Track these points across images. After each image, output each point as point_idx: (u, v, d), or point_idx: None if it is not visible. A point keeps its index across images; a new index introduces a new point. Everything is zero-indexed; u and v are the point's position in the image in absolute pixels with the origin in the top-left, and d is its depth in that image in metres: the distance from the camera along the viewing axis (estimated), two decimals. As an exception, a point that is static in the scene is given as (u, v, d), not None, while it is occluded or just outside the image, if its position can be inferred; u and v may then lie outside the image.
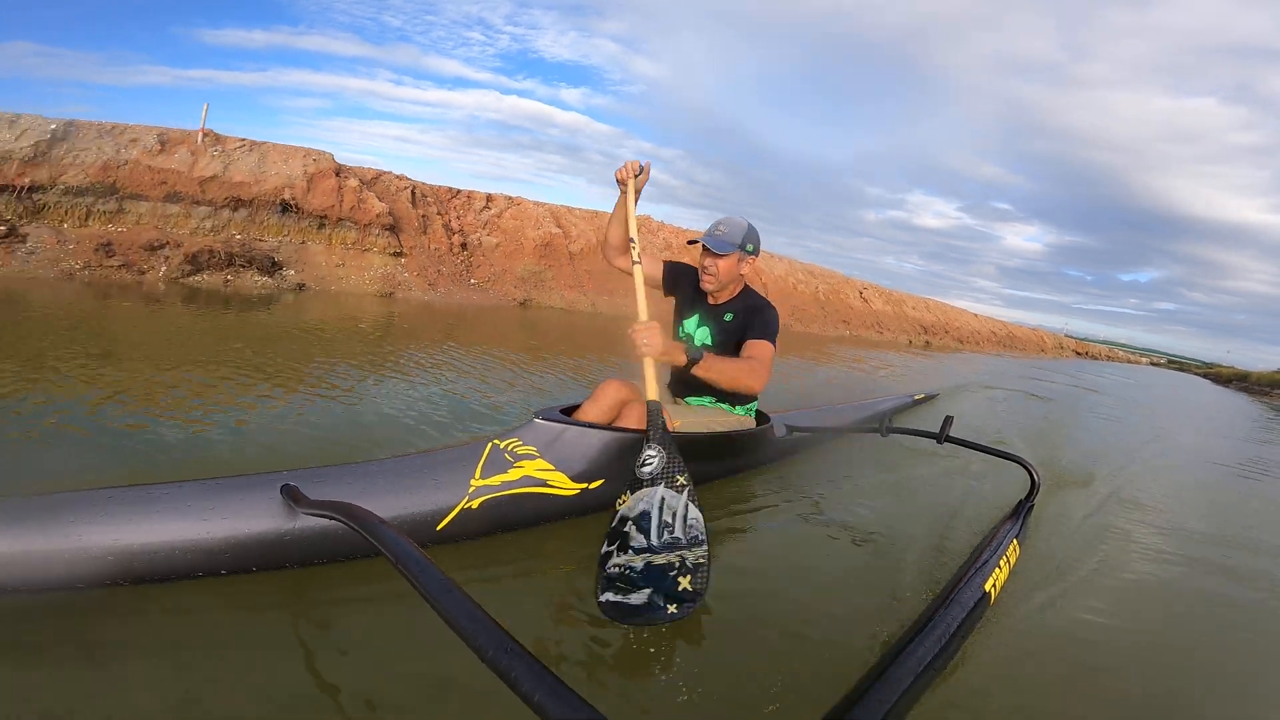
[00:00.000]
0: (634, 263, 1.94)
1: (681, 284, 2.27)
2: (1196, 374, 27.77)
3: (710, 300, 2.20)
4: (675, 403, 2.27)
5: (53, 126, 6.29)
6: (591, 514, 1.85)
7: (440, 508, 1.55)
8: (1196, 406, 11.63)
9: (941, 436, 2.59)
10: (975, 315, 19.37)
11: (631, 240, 1.98)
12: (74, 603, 1.20)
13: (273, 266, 6.58)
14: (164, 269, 6.11)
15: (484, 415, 2.90)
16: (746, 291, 2.21)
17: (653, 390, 1.75)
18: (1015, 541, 1.93)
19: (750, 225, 2.10)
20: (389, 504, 1.48)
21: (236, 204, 6.81)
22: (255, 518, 1.35)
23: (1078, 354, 24.59)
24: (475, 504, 1.60)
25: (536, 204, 9.72)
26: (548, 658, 0.80)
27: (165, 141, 6.70)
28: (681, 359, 1.79)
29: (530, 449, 1.74)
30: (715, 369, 1.85)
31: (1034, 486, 2.37)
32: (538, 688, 0.74)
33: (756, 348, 2.00)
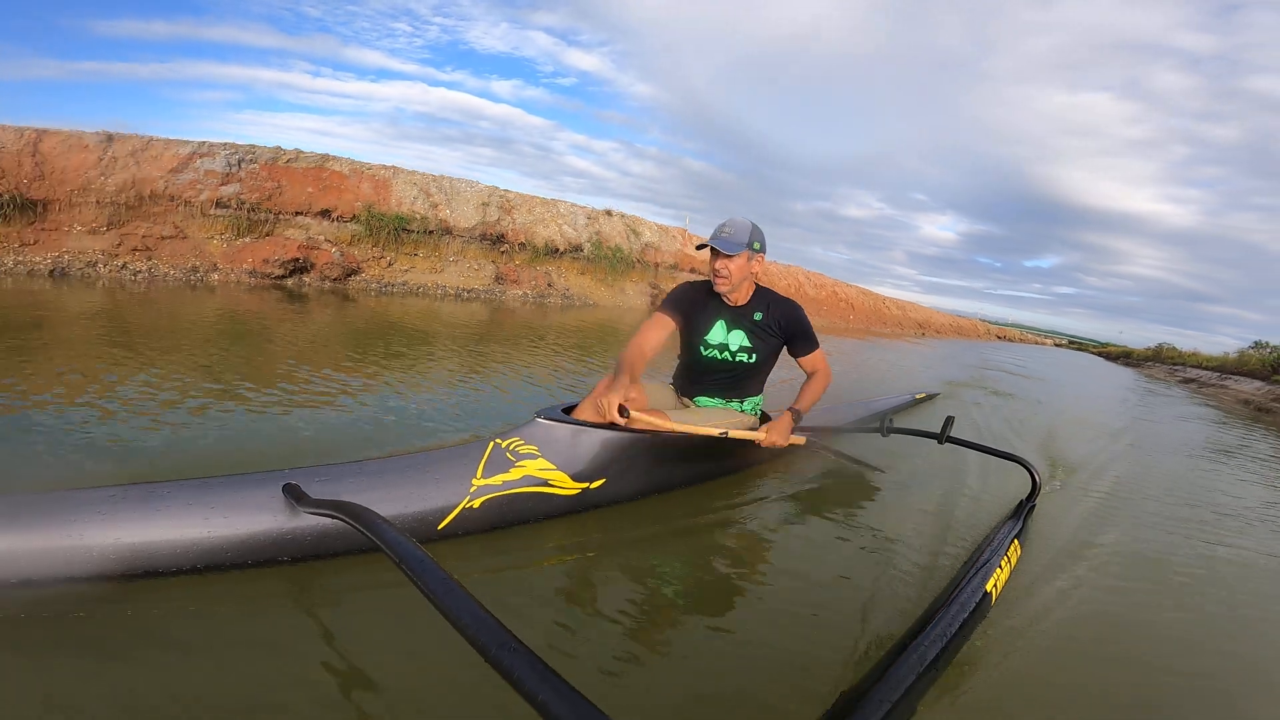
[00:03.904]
0: (722, 435, 2.05)
1: (688, 303, 2.24)
2: (1093, 353, 29.55)
3: (729, 302, 2.20)
4: (683, 402, 2.29)
5: (649, 231, 12.85)
6: (592, 513, 1.86)
7: (442, 507, 1.56)
8: (1113, 384, 12.13)
9: (942, 436, 2.60)
10: (940, 313, 23.66)
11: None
12: (76, 599, 1.21)
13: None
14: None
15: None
16: (763, 289, 2.22)
17: (796, 439, 2.21)
18: (1016, 541, 1.93)
19: (754, 224, 2.12)
20: (390, 503, 1.48)
21: (693, 272, 12.84)
22: (257, 516, 1.35)
23: (999, 338, 27.38)
24: (476, 503, 1.60)
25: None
26: (549, 656, 0.79)
27: (684, 237, 13.37)
28: (792, 425, 2.15)
29: (532, 448, 1.74)
30: (808, 404, 2.22)
31: (1035, 486, 2.38)
32: (539, 686, 0.75)
33: (815, 361, 2.29)
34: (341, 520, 1.22)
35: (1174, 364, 18.35)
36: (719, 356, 2.21)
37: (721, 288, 2.14)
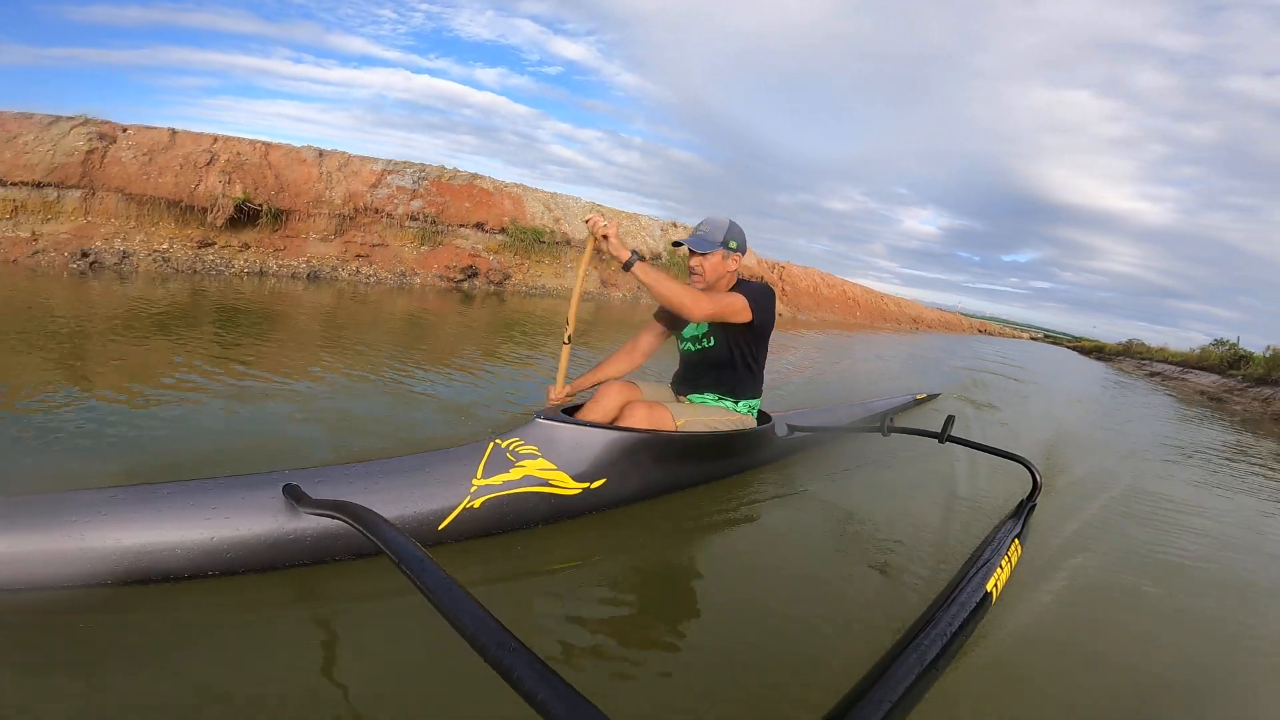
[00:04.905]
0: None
1: None
2: (1067, 347, 27.73)
3: None
4: (679, 400, 2.11)
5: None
6: (593, 513, 1.73)
7: (442, 507, 1.46)
8: (1086, 378, 11.79)
9: (943, 436, 2.42)
10: (928, 308, 24.05)
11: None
12: (76, 602, 1.13)
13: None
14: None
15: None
16: (741, 284, 2.01)
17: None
18: (1017, 541, 1.76)
19: (732, 222, 1.93)
20: (390, 503, 1.38)
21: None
22: (258, 517, 1.26)
23: (980, 331, 26.90)
24: (477, 503, 1.51)
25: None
26: (549, 656, 0.75)
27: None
28: (625, 254, 1.73)
29: (532, 448, 1.64)
30: (652, 275, 1.73)
31: (1035, 486, 2.17)
32: (539, 686, 0.70)
33: (728, 295, 1.89)
34: (342, 521, 1.14)
35: (1142, 359, 18.48)
36: (693, 349, 2.09)
37: (696, 285, 1.98)
